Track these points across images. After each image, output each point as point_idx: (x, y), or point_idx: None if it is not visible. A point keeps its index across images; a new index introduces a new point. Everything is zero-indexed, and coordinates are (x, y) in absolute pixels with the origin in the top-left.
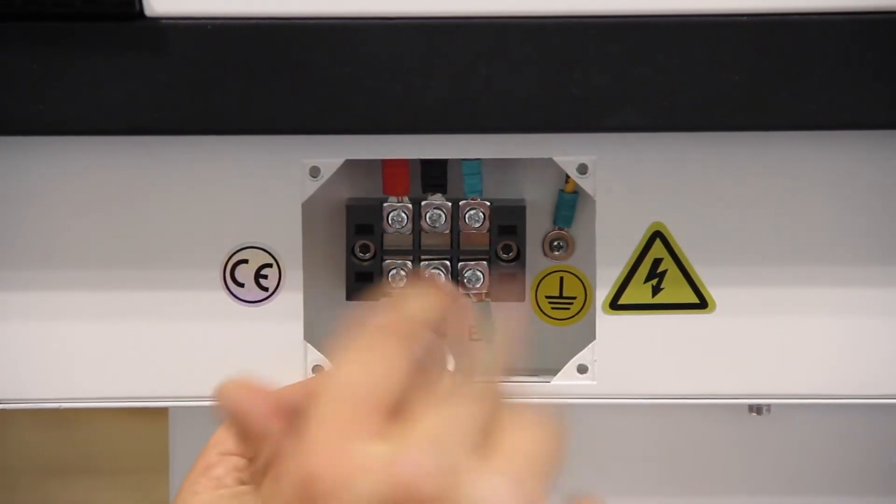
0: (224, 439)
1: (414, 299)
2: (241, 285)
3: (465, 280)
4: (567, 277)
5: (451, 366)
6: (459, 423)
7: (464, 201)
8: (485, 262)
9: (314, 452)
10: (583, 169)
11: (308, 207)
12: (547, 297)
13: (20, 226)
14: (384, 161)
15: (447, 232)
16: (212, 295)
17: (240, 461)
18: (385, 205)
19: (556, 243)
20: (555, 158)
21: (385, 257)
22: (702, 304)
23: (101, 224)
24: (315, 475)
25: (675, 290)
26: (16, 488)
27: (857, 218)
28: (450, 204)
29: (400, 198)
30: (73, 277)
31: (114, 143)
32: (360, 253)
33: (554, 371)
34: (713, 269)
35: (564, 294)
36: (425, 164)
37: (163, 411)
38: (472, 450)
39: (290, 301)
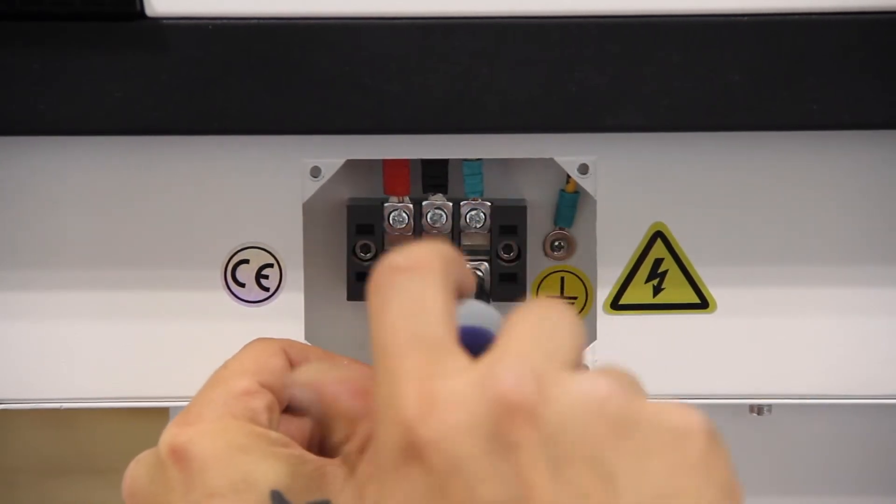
0: (264, 368)
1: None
2: (242, 285)
3: None
4: (568, 277)
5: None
6: (543, 335)
7: (464, 201)
8: (486, 263)
9: (402, 406)
10: (584, 169)
11: (309, 207)
12: (548, 297)
13: (20, 226)
14: (385, 161)
15: (448, 232)
16: (212, 295)
17: (273, 402)
18: (386, 205)
19: (556, 243)
20: (555, 158)
21: None
22: (703, 304)
23: (101, 224)
24: (410, 426)
25: (675, 290)
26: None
27: (857, 218)
28: (450, 204)
29: (401, 198)
30: (73, 277)
31: (114, 143)
32: (361, 253)
33: None
34: (714, 269)
35: (565, 294)
36: (426, 164)
37: (163, 411)
38: (553, 355)
39: (290, 301)
